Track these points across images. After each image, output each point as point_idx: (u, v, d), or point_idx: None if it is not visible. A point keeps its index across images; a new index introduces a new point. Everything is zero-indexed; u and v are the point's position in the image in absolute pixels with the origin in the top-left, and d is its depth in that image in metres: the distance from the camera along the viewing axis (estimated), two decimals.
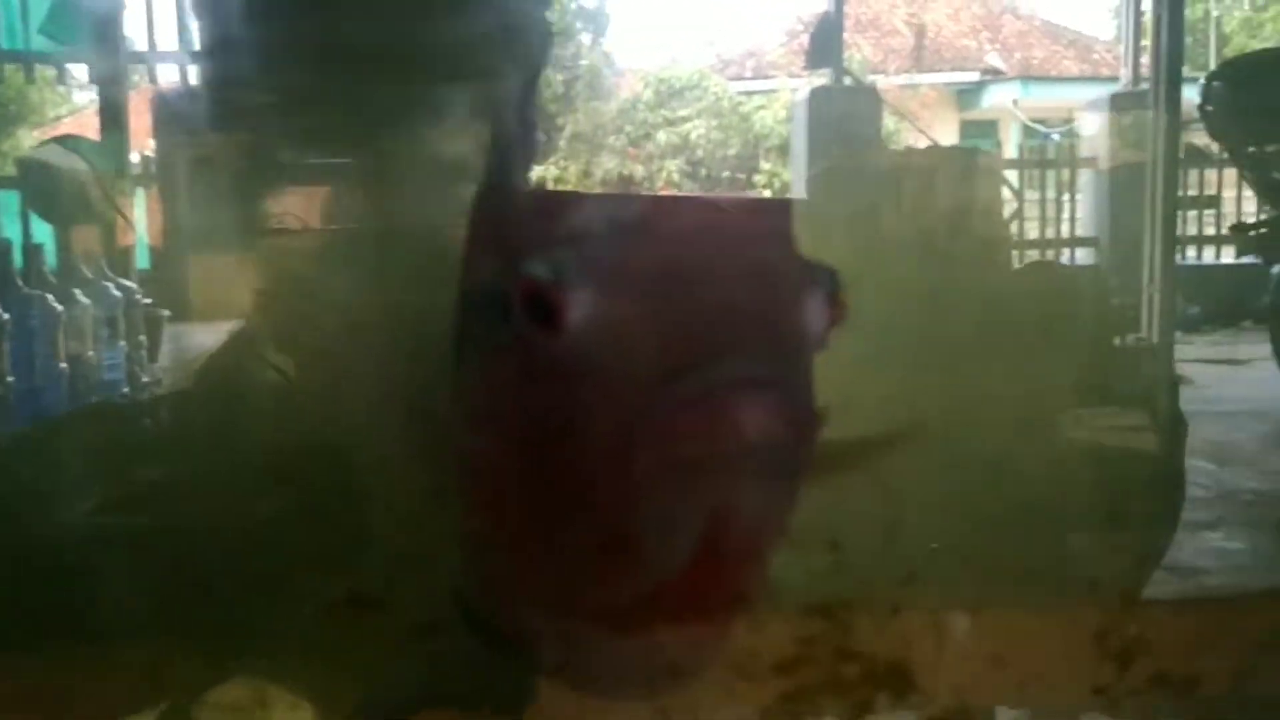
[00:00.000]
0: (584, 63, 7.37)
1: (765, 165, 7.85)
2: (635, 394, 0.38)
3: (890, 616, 0.82)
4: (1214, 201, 5.89)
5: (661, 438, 0.38)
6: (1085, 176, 5.59)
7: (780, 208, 0.45)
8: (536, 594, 0.47)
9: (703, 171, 7.91)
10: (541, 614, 0.48)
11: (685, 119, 8.34)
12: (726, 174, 7.64)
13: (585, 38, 7.81)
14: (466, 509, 0.48)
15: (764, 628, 0.79)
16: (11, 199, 3.30)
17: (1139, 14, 4.86)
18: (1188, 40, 7.54)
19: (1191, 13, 8.11)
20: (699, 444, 0.37)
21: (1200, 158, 5.48)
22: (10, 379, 1.67)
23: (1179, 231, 4.71)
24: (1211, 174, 5.26)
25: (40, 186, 2.86)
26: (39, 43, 3.31)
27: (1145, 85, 4.27)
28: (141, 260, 3.47)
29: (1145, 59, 4.56)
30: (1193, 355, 3.76)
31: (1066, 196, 5.78)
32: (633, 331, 0.39)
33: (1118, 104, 5.11)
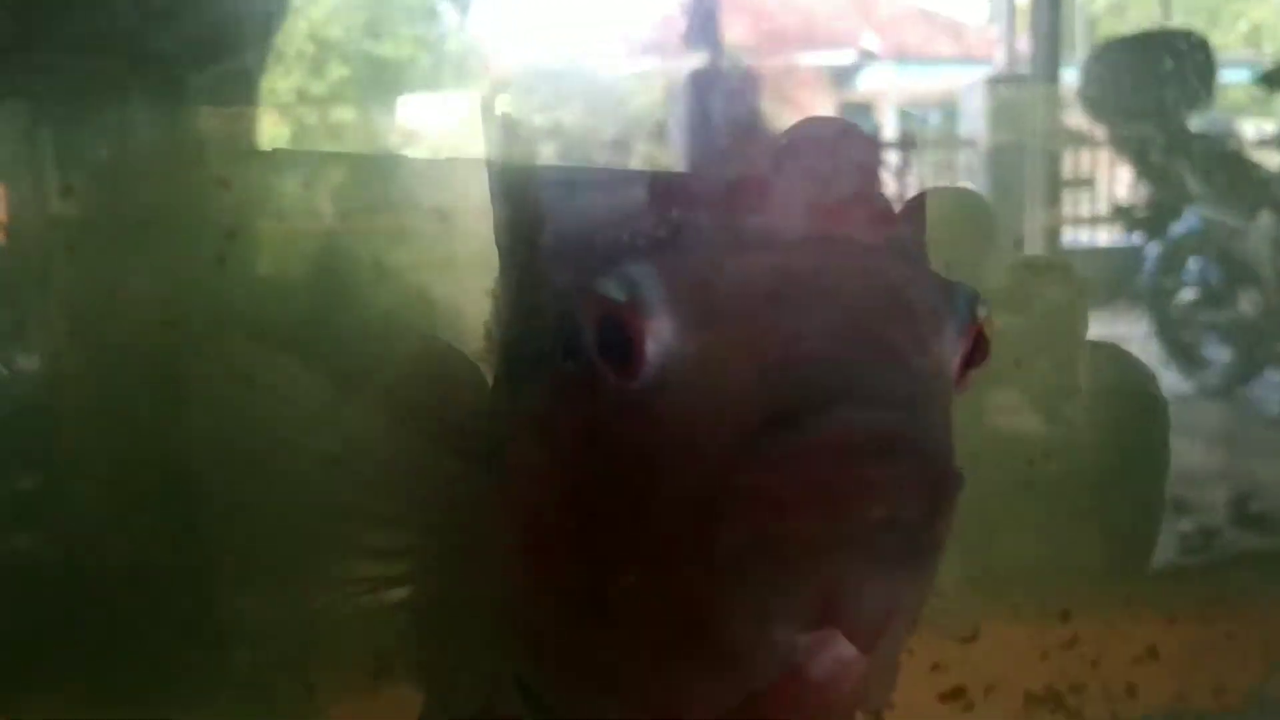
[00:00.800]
0: (449, 46, 6.98)
1: (641, 148, 7.67)
2: (729, 450, 0.30)
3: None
4: (1089, 183, 6.02)
5: (756, 505, 0.30)
6: (962, 158, 5.59)
7: (908, 207, 0.36)
8: (604, 688, 0.40)
9: (578, 155, 7.69)
10: (611, 709, 0.40)
11: (558, 103, 8.38)
12: (602, 160, 7.45)
13: (452, 19, 7.44)
14: (515, 581, 0.40)
15: None
16: None
17: None
18: (1067, 20, 7.74)
19: None
20: (806, 515, 0.29)
21: (1080, 140, 5.57)
22: None
23: (1063, 212, 4.76)
24: (1087, 156, 5.33)
25: None
26: None
27: (1021, 69, 4.33)
28: None
29: (1019, 42, 4.61)
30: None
31: (945, 180, 5.76)
32: (731, 370, 0.31)
33: (994, 87, 5.16)
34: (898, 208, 0.38)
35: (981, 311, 0.36)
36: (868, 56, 8.97)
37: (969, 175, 5.48)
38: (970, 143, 5.41)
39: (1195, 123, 3.92)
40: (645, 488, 0.34)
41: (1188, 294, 4.31)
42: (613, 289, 0.33)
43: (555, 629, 0.40)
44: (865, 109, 8.62)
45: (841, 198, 0.33)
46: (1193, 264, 4.31)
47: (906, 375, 0.31)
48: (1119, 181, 4.95)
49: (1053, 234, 4.03)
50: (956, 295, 0.36)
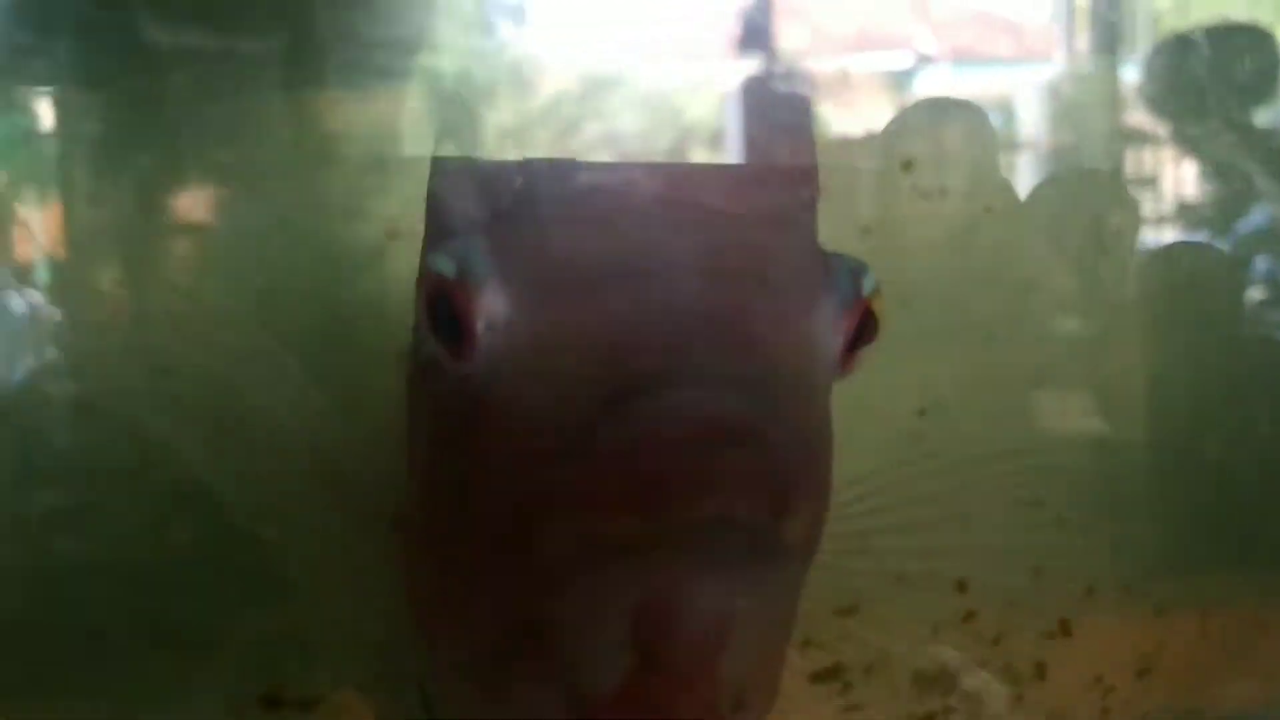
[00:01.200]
0: (507, 57, 7.12)
1: (698, 156, 7.69)
2: (565, 436, 0.27)
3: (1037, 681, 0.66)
4: (1153, 182, 5.90)
5: (577, 503, 0.27)
6: (1024, 159, 5.51)
7: (791, 177, 0.33)
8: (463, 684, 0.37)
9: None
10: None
11: (613, 112, 8.39)
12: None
13: (507, 31, 7.58)
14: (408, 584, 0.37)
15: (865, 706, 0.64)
16: None
17: None
18: (1127, 18, 7.57)
19: None
20: (624, 513, 0.26)
21: (1142, 138, 5.45)
22: None
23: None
24: (1151, 154, 5.22)
25: None
26: None
27: (1082, 66, 4.22)
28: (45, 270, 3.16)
29: (1080, 40, 4.52)
30: None
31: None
32: (563, 352, 0.28)
33: (1054, 85, 5.07)
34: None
35: (867, 285, 0.33)
36: (924, 59, 8.89)
37: (1030, 176, 5.42)
38: (1031, 144, 5.34)
39: (1261, 118, 3.85)
40: (476, 482, 0.31)
41: (1255, 293, 4.23)
42: (443, 263, 0.30)
43: (428, 638, 0.38)
44: None
45: (705, 166, 0.34)
46: (1260, 263, 4.22)
47: (757, 357, 0.28)
48: (1183, 180, 4.86)
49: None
50: (837, 269, 0.33)
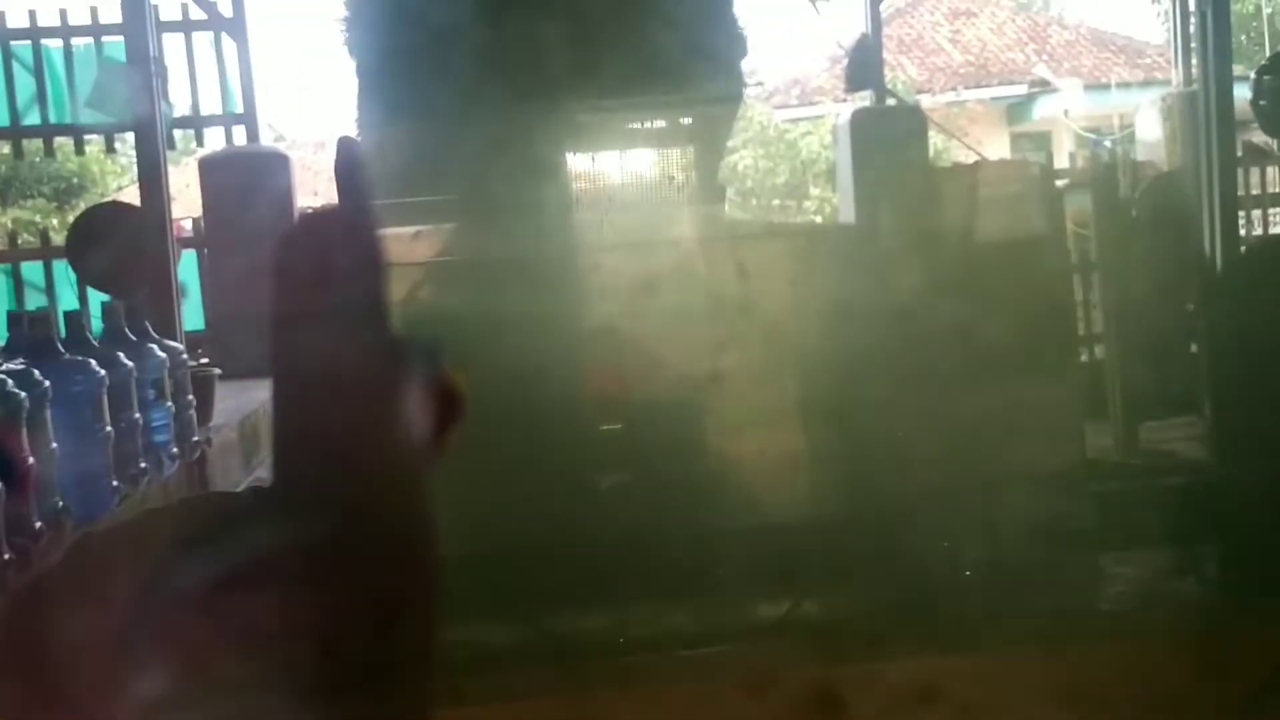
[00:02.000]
0: None
1: (814, 191, 8.01)
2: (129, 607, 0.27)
3: None
4: (1277, 200, 5.76)
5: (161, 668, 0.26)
6: (1140, 181, 5.55)
7: (364, 269, 0.30)
8: None
9: (753, 200, 8.16)
10: None
11: (732, 150, 8.27)
12: (777, 201, 7.84)
13: None
14: None
15: None
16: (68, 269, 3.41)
17: (1186, 14, 4.86)
18: (1239, 38, 7.17)
19: (1242, 9, 7.72)
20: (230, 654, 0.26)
21: (1260, 155, 5.41)
22: (54, 444, 1.64)
23: (1241, 231, 4.67)
24: (1272, 172, 5.16)
25: (85, 256, 2.95)
26: (87, 115, 3.42)
27: (1197, 86, 4.29)
28: (195, 321, 3.38)
29: (1196, 60, 4.56)
30: None
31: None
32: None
33: (1170, 107, 5.09)
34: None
35: (441, 364, 0.30)
36: (1042, 85, 8.69)
37: (1147, 195, 5.49)
38: (1149, 164, 5.41)
39: None
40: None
41: None
42: None
43: None
44: (1041, 138, 8.39)
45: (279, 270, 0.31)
46: None
47: (339, 477, 0.27)
48: None
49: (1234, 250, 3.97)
50: (409, 354, 0.30)
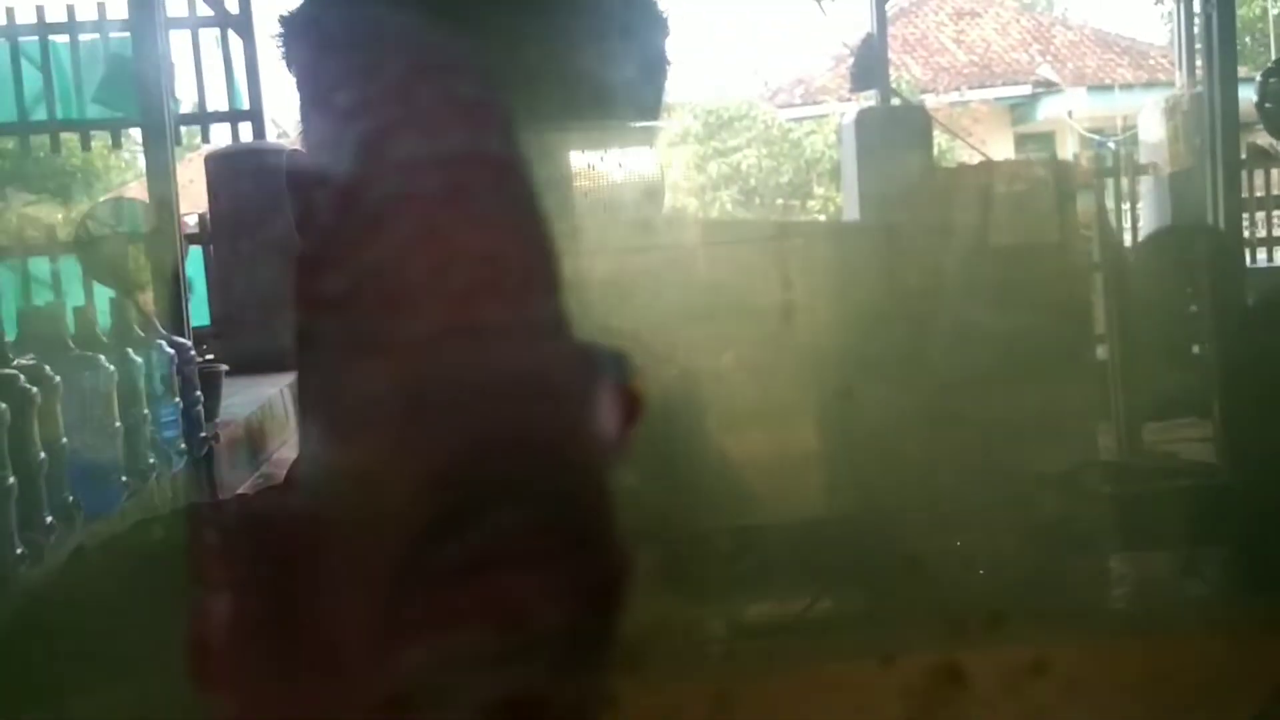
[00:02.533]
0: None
1: (819, 190, 8.03)
2: (369, 575, 0.30)
3: None
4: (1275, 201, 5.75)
5: (398, 640, 0.30)
6: (1146, 183, 5.57)
7: (535, 284, 0.33)
8: None
9: (756, 200, 8.17)
10: None
11: (736, 149, 8.52)
12: (780, 201, 7.86)
13: None
14: None
15: None
16: (74, 264, 3.40)
17: (1191, 16, 4.86)
18: (1245, 40, 7.18)
19: (1247, 11, 7.73)
20: (451, 634, 0.30)
21: (1264, 157, 5.41)
22: (64, 439, 1.65)
23: (1245, 234, 4.67)
24: (1276, 174, 5.16)
25: (92, 251, 2.98)
26: (94, 111, 3.50)
27: (1201, 88, 4.28)
28: (199, 317, 3.40)
29: (1200, 61, 4.55)
30: None
31: (1127, 205, 5.77)
32: (360, 488, 0.31)
33: (1174, 108, 5.10)
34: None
35: (629, 372, 0.34)
36: (1046, 86, 8.71)
37: (1149, 197, 5.49)
38: (1151, 166, 5.42)
39: None
40: (311, 611, 0.32)
41: None
42: None
43: None
44: (1045, 139, 8.41)
45: (474, 281, 0.31)
46: None
47: (551, 468, 0.31)
48: None
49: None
50: (600, 362, 0.34)
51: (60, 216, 6.43)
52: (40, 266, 3.73)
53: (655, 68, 0.68)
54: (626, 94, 0.64)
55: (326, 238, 0.33)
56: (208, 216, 3.73)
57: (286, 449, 3.20)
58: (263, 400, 3.16)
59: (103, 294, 3.11)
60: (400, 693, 0.31)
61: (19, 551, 1.47)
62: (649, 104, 0.68)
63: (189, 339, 2.53)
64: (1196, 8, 4.59)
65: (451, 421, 0.30)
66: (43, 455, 1.59)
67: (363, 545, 0.31)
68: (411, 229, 0.31)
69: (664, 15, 0.71)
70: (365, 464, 0.31)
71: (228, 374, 2.78)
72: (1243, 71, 4.28)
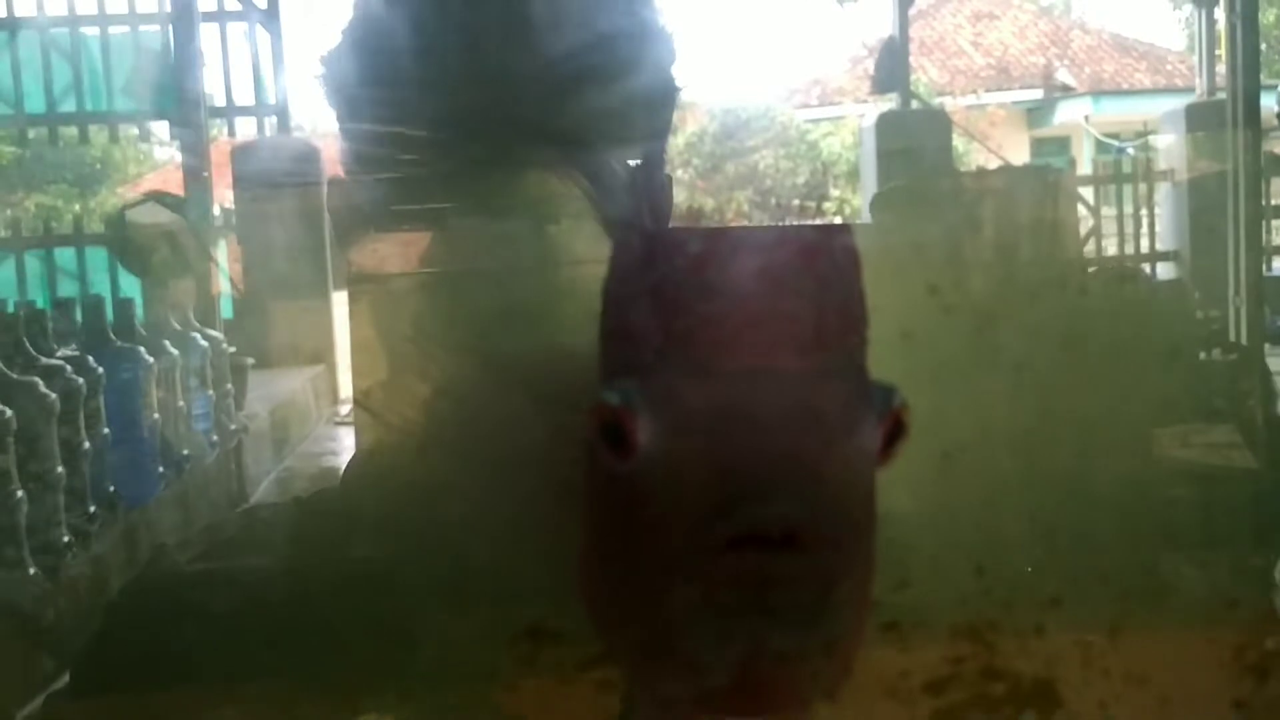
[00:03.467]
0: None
1: (834, 191, 8.02)
2: (686, 528, 0.40)
3: (1034, 637, 0.83)
4: None
5: (699, 577, 0.40)
6: (1163, 190, 5.55)
7: (848, 334, 0.45)
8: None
9: (772, 200, 8.17)
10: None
11: (753, 149, 8.51)
12: (796, 202, 7.85)
13: None
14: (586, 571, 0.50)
15: (913, 649, 0.79)
16: (100, 254, 3.53)
17: (1211, 23, 4.84)
18: (1262, 46, 7.13)
19: (1265, 17, 7.69)
20: (734, 587, 0.39)
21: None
22: (106, 430, 1.69)
23: (1264, 242, 4.65)
24: None
25: (124, 242, 3.00)
26: (122, 103, 3.52)
27: (1221, 95, 4.25)
28: (225, 310, 3.39)
29: (1220, 68, 4.53)
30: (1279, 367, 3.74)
31: (1144, 211, 5.75)
32: (689, 469, 0.41)
33: (1193, 115, 5.07)
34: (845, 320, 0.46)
35: (896, 403, 0.44)
36: (1063, 90, 8.68)
37: (1168, 204, 5.47)
38: (1169, 172, 5.40)
39: None
40: (631, 540, 0.43)
41: None
42: (611, 397, 0.43)
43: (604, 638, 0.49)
44: (1061, 143, 8.38)
45: (780, 336, 0.43)
46: None
47: (816, 481, 0.40)
48: None
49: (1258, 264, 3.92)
50: (874, 396, 0.44)
51: (78, 207, 6.47)
52: (67, 257, 3.75)
53: (665, 95, 0.73)
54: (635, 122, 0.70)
55: (657, 289, 0.45)
56: (232, 210, 3.76)
57: (308, 443, 3.23)
58: (285, 394, 3.19)
59: (129, 286, 3.14)
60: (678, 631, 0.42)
61: (65, 540, 1.51)
62: (658, 129, 0.73)
63: (220, 332, 2.56)
64: (1218, 15, 4.56)
65: (745, 434, 0.42)
66: (86, 445, 1.62)
67: (675, 513, 0.43)
68: (734, 292, 0.44)
69: (673, 46, 0.76)
70: (679, 457, 0.42)
71: (252, 367, 2.81)
72: (1261, 78, 4.25)
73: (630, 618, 0.45)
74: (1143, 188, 5.18)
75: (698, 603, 0.40)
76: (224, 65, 3.65)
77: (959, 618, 0.86)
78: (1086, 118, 7.69)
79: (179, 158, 3.71)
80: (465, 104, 0.66)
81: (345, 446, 2.79)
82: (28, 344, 1.54)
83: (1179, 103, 5.29)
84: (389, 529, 0.88)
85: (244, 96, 3.70)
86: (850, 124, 7.58)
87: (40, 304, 2.36)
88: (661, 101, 0.71)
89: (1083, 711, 0.84)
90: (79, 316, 1.86)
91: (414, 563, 0.83)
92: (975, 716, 0.83)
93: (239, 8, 3.64)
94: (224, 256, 3.68)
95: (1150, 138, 5.83)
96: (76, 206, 6.92)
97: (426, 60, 0.66)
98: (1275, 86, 4.52)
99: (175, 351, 2.03)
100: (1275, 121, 4.41)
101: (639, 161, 0.63)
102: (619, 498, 0.45)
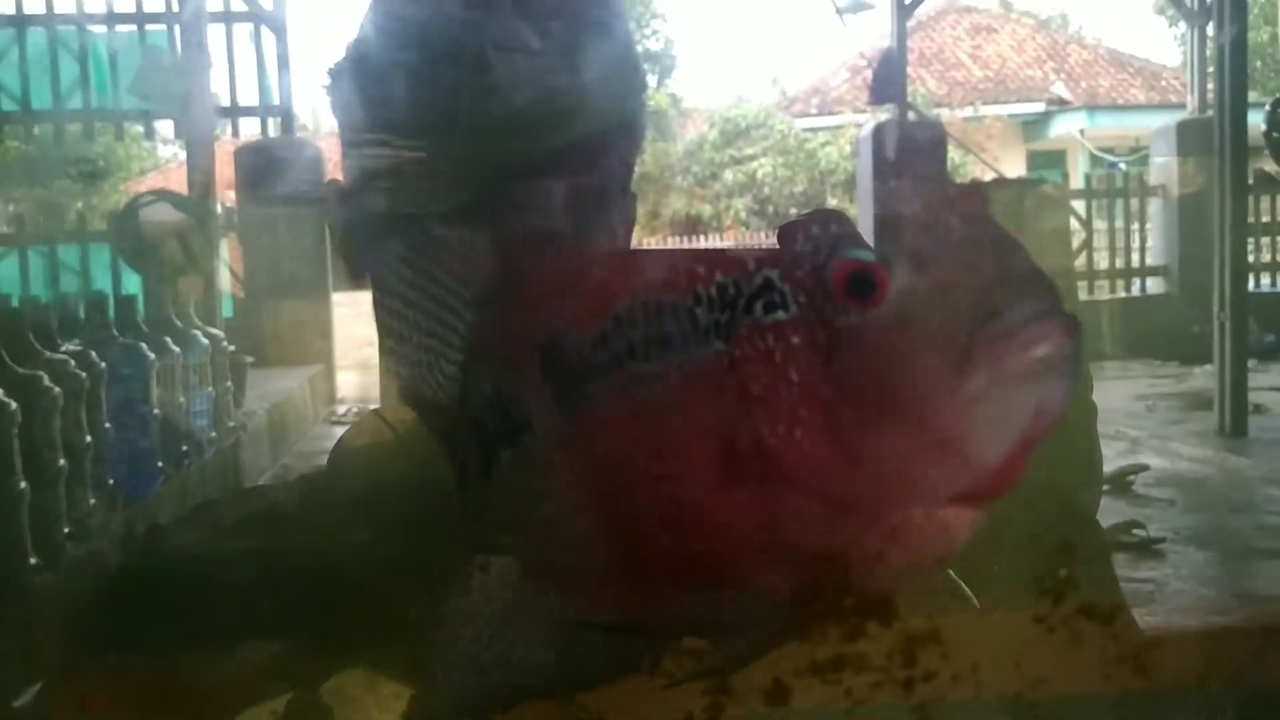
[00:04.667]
0: (650, 105, 7.80)
1: (832, 200, 8.04)
2: (967, 332, 0.46)
3: None
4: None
5: (997, 357, 0.45)
6: (1154, 205, 5.60)
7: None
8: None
9: (770, 209, 8.20)
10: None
11: (751, 157, 8.68)
12: (793, 210, 7.87)
13: (650, 80, 8.27)
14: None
15: None
16: (103, 251, 3.52)
17: (1204, 40, 4.89)
18: (1255, 64, 7.19)
19: (1257, 36, 7.74)
20: (1027, 359, 0.45)
21: (1271, 184, 5.46)
22: (107, 424, 1.71)
23: (1251, 258, 4.68)
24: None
25: (131, 240, 2.99)
26: (128, 101, 3.51)
27: (1212, 111, 4.28)
28: (225, 309, 3.41)
29: (1212, 85, 4.55)
30: (1266, 383, 3.77)
31: (1135, 225, 5.80)
32: (949, 295, 0.47)
33: (1185, 131, 5.12)
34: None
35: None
36: (1059, 104, 8.70)
37: (1157, 219, 5.52)
38: (1160, 187, 5.45)
39: None
40: (898, 366, 0.47)
41: None
42: (864, 255, 0.48)
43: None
44: (1057, 156, 8.41)
45: (983, 202, 0.49)
46: None
47: (1040, 279, 0.47)
48: None
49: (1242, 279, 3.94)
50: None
51: (80, 205, 6.48)
52: (69, 253, 3.77)
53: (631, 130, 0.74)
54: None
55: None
56: (234, 210, 3.78)
57: (305, 441, 3.25)
58: (284, 393, 3.21)
59: (130, 283, 3.19)
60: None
61: (65, 532, 1.53)
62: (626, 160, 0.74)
63: (220, 330, 2.58)
64: (1210, 34, 4.62)
65: (996, 257, 0.49)
66: (88, 439, 1.65)
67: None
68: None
69: (640, 71, 0.79)
70: (943, 285, 0.48)
71: (251, 366, 2.83)
72: (1252, 96, 4.31)
73: (902, 440, 0.46)
74: (1134, 202, 5.24)
75: (989, 387, 0.45)
76: (229, 66, 3.67)
77: None
78: (1082, 131, 7.73)
79: (182, 156, 3.79)
80: (443, 146, 0.70)
81: None
82: (31, 338, 1.57)
83: (1171, 119, 5.34)
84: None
85: (248, 97, 3.72)
86: (848, 134, 7.65)
87: (43, 299, 2.44)
88: (627, 135, 0.76)
89: None
90: (82, 312, 1.90)
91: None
92: None
93: (245, 9, 3.67)
94: (224, 256, 3.71)
95: (1143, 153, 5.88)
96: (79, 203, 6.93)
97: (411, 102, 0.71)
98: (1263, 105, 4.57)
99: (177, 348, 2.06)
100: (1263, 139, 4.46)
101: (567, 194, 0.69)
102: (863, 349, 0.48)
